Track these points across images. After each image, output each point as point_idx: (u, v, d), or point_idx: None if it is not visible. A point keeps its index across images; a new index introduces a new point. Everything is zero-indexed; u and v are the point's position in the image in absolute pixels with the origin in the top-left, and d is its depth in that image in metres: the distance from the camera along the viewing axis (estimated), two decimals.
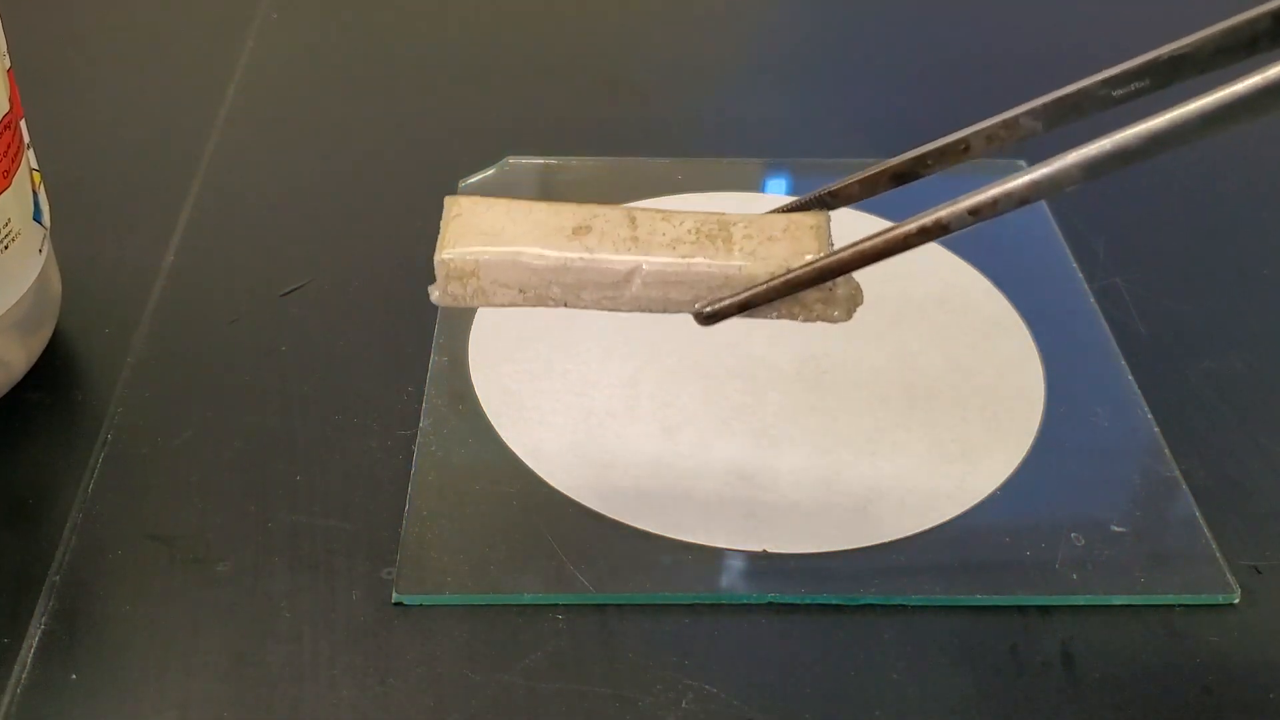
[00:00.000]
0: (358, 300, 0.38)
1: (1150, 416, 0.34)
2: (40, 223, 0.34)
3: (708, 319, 0.27)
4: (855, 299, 0.28)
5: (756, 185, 0.44)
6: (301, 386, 0.35)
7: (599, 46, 0.53)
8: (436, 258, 0.27)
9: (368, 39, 0.53)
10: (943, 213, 0.25)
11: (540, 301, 0.28)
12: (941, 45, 0.53)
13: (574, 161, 0.44)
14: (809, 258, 0.27)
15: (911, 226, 0.25)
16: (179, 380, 0.35)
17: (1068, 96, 0.27)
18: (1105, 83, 0.27)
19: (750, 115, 0.48)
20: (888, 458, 0.33)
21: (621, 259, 0.27)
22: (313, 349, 0.36)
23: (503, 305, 0.28)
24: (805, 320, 0.28)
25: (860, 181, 0.28)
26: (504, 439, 0.33)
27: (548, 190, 0.43)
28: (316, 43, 0.52)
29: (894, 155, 0.46)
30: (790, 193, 0.43)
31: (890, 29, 0.54)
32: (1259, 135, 0.47)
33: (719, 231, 0.28)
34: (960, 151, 0.27)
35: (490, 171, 0.44)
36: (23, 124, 0.34)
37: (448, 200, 0.28)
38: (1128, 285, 0.39)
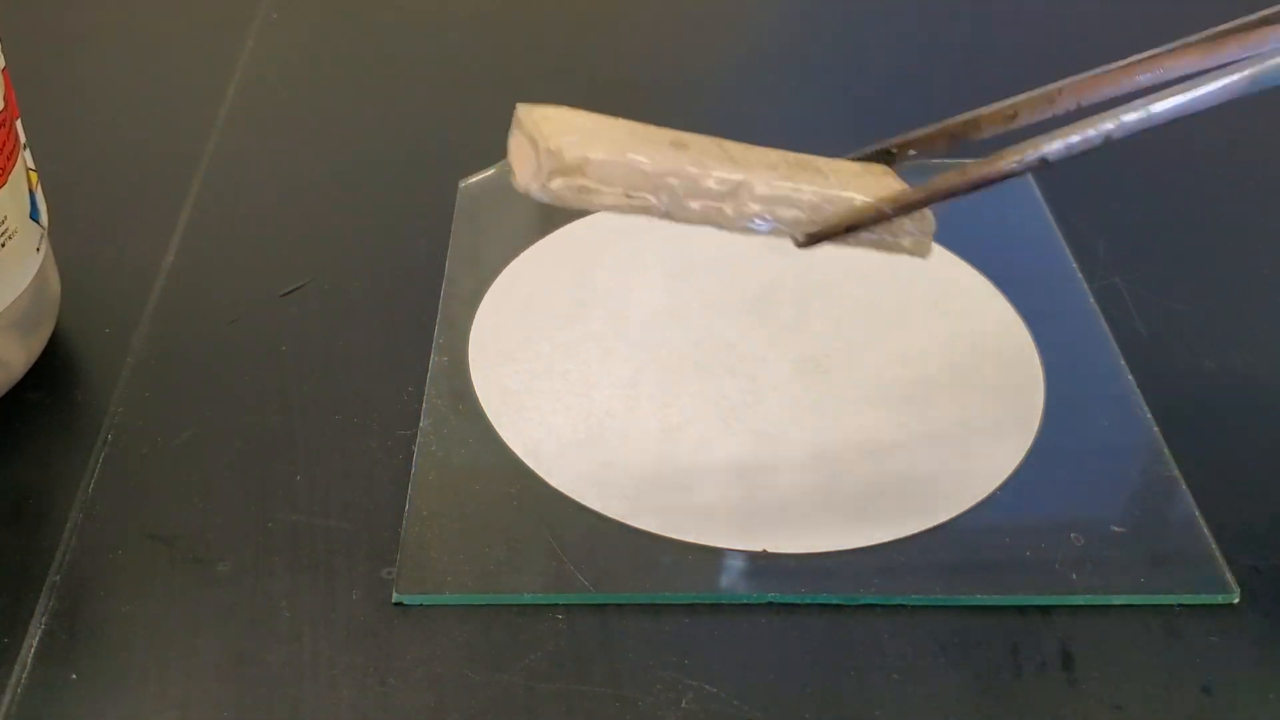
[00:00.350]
0: (358, 300, 0.38)
1: (1150, 416, 0.34)
2: (37, 222, 0.34)
3: (811, 239, 0.27)
4: (931, 236, 0.28)
5: None
6: (301, 386, 0.35)
7: (599, 46, 0.53)
8: (542, 147, 0.25)
9: (368, 39, 0.53)
10: (1043, 147, 0.26)
11: (643, 208, 0.26)
12: (941, 45, 0.53)
13: None
14: (898, 187, 0.27)
15: (1012, 159, 0.26)
16: (179, 380, 0.35)
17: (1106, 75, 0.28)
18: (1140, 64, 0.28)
19: (750, 115, 0.48)
20: (887, 458, 0.33)
21: (727, 171, 0.26)
22: (313, 349, 0.37)
23: (604, 207, 0.26)
24: (890, 252, 0.28)
25: (919, 138, 0.29)
26: (504, 439, 0.33)
27: None
28: (316, 43, 0.52)
29: None
30: None
31: (890, 28, 0.54)
32: (1259, 135, 0.47)
33: (807, 163, 0.28)
34: (1008, 118, 0.29)
35: (490, 171, 0.44)
36: (19, 124, 0.34)
37: (523, 107, 0.26)
38: (1127, 285, 0.39)
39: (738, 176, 0.26)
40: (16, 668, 0.28)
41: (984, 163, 0.26)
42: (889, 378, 0.36)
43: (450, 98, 0.49)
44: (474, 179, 0.43)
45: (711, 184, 0.26)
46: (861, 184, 0.27)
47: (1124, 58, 0.28)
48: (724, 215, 0.27)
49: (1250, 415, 0.35)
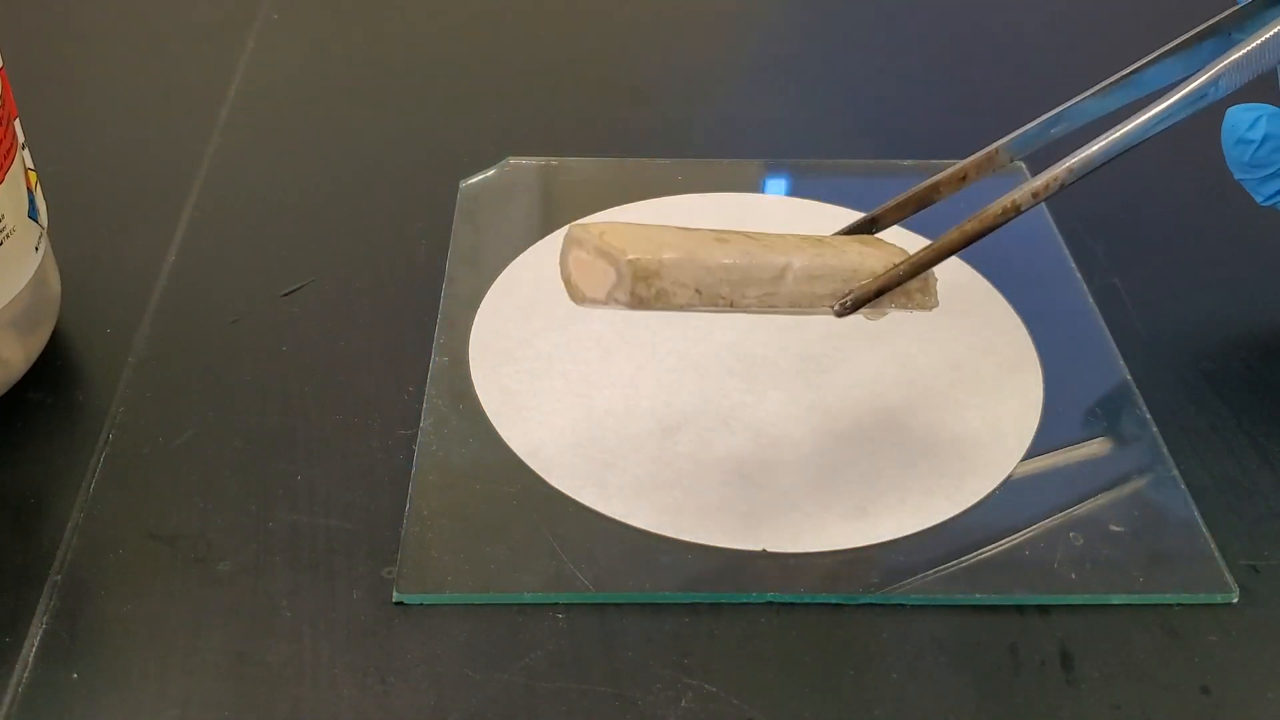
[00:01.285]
0: (358, 300, 0.38)
1: (1149, 416, 0.35)
2: (36, 221, 0.34)
3: (847, 309, 0.30)
4: (935, 291, 0.32)
5: (756, 185, 0.44)
6: (302, 386, 0.35)
7: (599, 47, 0.53)
8: (621, 260, 0.27)
9: (368, 39, 0.53)
10: (1015, 195, 0.30)
11: (711, 302, 0.28)
12: (941, 45, 0.53)
13: (574, 162, 0.44)
14: (898, 253, 0.31)
15: (995, 208, 0.30)
16: (180, 380, 0.35)
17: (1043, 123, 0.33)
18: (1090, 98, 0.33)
19: (750, 116, 0.48)
20: (887, 458, 0.33)
21: (773, 256, 0.28)
22: (313, 349, 0.37)
23: (678, 308, 0.28)
24: (905, 309, 0.31)
25: (893, 208, 0.34)
26: (504, 439, 0.33)
27: (548, 190, 0.43)
28: (317, 43, 0.52)
29: (893, 156, 0.47)
30: (790, 193, 0.43)
31: (890, 29, 0.55)
32: None
33: (820, 242, 0.30)
34: (959, 180, 0.33)
35: (490, 172, 0.44)
36: (17, 123, 0.34)
37: (577, 226, 0.28)
38: (1126, 285, 0.39)
39: (781, 260, 0.29)
40: (18, 667, 0.28)
41: (976, 218, 0.30)
42: (888, 378, 0.36)
43: (450, 98, 0.49)
44: (474, 179, 0.43)
45: (762, 272, 0.28)
46: (876, 254, 0.30)
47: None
48: (774, 298, 0.29)
49: (1249, 415, 0.35)
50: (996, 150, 0.33)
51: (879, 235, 0.34)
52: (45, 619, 0.29)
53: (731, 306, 0.28)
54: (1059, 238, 0.41)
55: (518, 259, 0.40)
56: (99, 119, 0.47)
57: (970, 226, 0.31)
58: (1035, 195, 0.30)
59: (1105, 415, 0.35)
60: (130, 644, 0.29)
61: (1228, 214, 0.43)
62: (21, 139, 0.34)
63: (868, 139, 0.47)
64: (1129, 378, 0.36)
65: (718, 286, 0.28)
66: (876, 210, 0.34)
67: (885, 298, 0.30)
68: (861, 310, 0.30)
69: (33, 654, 0.28)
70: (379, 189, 0.43)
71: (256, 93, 0.49)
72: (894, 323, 0.37)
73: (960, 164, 0.34)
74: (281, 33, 0.52)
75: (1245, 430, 0.35)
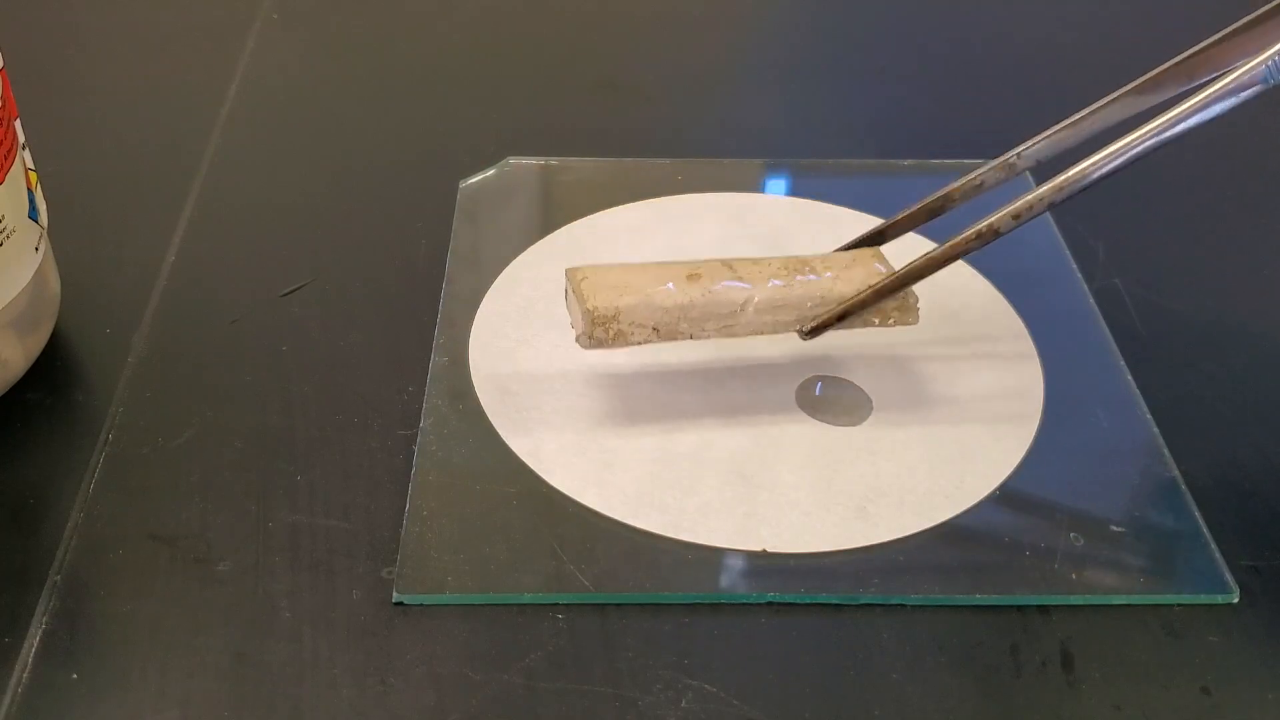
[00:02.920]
0: (358, 300, 0.38)
1: (1149, 417, 0.35)
2: (36, 221, 0.34)
3: (811, 333, 0.33)
4: (917, 305, 0.34)
5: (756, 185, 0.44)
6: (302, 386, 0.35)
7: (599, 47, 0.53)
8: (582, 308, 0.32)
9: (368, 39, 0.53)
10: (993, 219, 0.31)
11: (671, 336, 0.32)
12: (940, 45, 0.53)
13: (574, 162, 0.44)
14: (884, 272, 0.33)
15: (970, 233, 0.32)
16: (179, 380, 0.35)
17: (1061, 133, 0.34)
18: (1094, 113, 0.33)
19: (750, 115, 0.48)
20: (887, 457, 0.33)
21: (736, 289, 0.32)
22: (313, 349, 0.37)
23: (639, 344, 0.32)
24: (884, 326, 0.33)
25: (901, 220, 0.35)
26: (504, 439, 0.33)
27: (548, 190, 0.43)
28: (317, 43, 0.52)
29: (892, 155, 0.47)
30: (790, 193, 0.43)
31: (889, 29, 0.55)
32: (1259, 136, 0.47)
33: (803, 265, 0.33)
34: (975, 188, 0.34)
35: (490, 172, 0.44)
36: (18, 123, 0.34)
37: (569, 270, 0.33)
38: (1127, 286, 0.39)
39: (741, 296, 0.32)
40: (17, 667, 0.28)
41: (948, 246, 0.32)
42: (887, 378, 0.36)
43: (450, 98, 0.49)
44: (474, 179, 0.43)
45: (720, 308, 0.32)
46: (849, 275, 0.33)
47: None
48: (734, 329, 0.33)
49: (1250, 415, 0.35)
50: (1018, 157, 0.34)
51: (885, 246, 0.35)
52: (45, 619, 0.29)
53: (691, 338, 0.32)
54: (1059, 238, 0.41)
55: (517, 259, 0.40)
56: (99, 119, 0.47)
57: (941, 253, 0.32)
58: (1017, 218, 0.30)
59: (1106, 415, 0.35)
60: (130, 644, 0.28)
61: (1228, 214, 0.43)
62: (22, 139, 0.34)
63: (868, 139, 0.47)
64: (1129, 378, 0.36)
65: (675, 324, 0.32)
66: (885, 222, 0.35)
67: (859, 318, 0.33)
68: (838, 328, 0.33)
69: (32, 654, 0.28)
70: (379, 189, 0.43)
71: (256, 93, 0.48)
72: (902, 326, 0.37)
73: (977, 172, 0.34)
74: (281, 33, 0.52)
75: (1246, 430, 0.35)
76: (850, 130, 0.47)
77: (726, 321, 0.32)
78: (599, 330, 0.32)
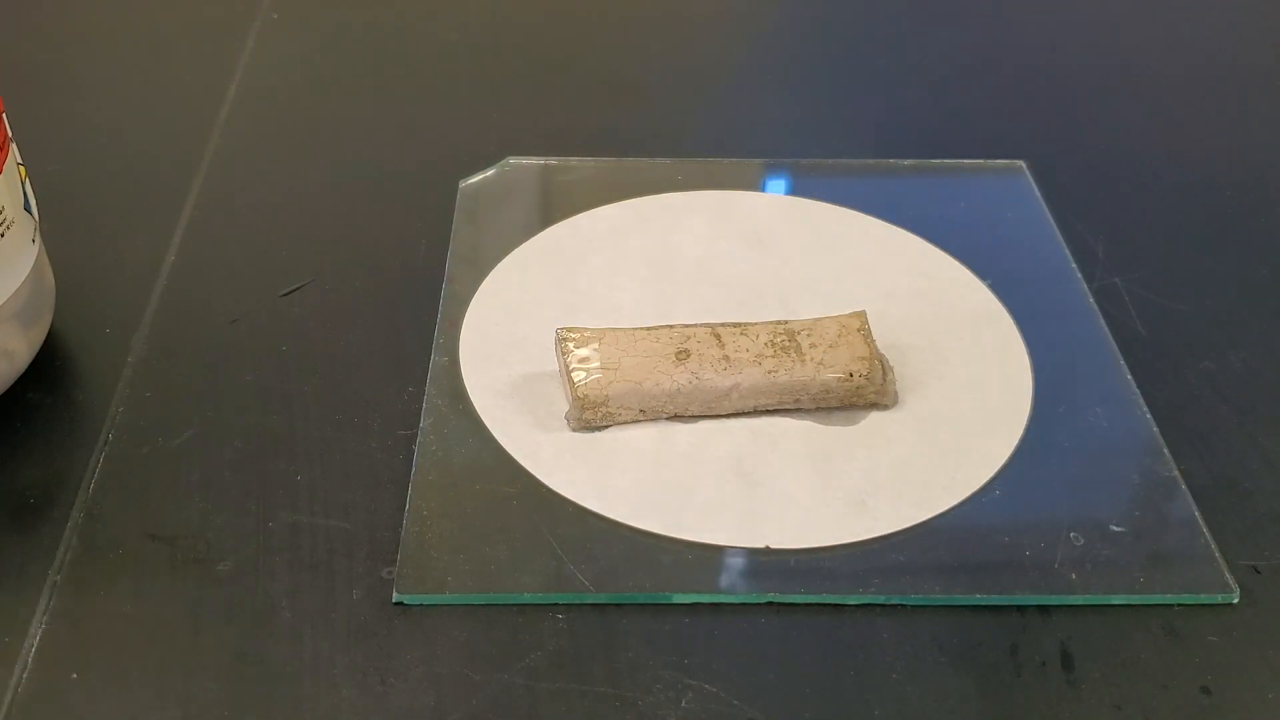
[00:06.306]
0: (358, 300, 0.38)
1: (1149, 416, 0.35)
2: (30, 213, 0.35)
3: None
4: (895, 387, 0.35)
5: (756, 185, 0.44)
6: (301, 386, 0.35)
7: (599, 47, 0.53)
8: (573, 394, 0.33)
9: (368, 39, 0.53)
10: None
11: (655, 416, 0.34)
12: (940, 46, 0.53)
13: (574, 162, 0.44)
14: (862, 359, 0.34)
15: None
16: (179, 380, 0.35)
17: None
18: None
19: (750, 115, 0.48)
20: (883, 453, 0.33)
21: (721, 379, 0.33)
22: (313, 349, 0.37)
23: (625, 423, 0.34)
24: (863, 406, 0.34)
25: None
26: (503, 440, 0.33)
27: (548, 190, 0.43)
28: (317, 43, 0.52)
29: (893, 155, 0.46)
30: (790, 193, 0.43)
31: (889, 29, 0.55)
32: (1258, 136, 0.47)
33: (790, 343, 0.34)
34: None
35: (490, 171, 0.44)
36: (3, 117, 0.34)
37: (559, 333, 0.34)
38: (1127, 285, 0.39)
39: (727, 384, 0.33)
40: (17, 667, 0.28)
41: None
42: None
43: (450, 98, 0.49)
44: (474, 179, 0.43)
45: (706, 395, 0.33)
46: (834, 358, 0.34)
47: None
48: (716, 410, 0.34)
49: (1249, 415, 0.35)
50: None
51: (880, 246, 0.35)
52: (45, 618, 0.29)
53: (676, 418, 0.34)
54: (1059, 238, 0.41)
55: (506, 258, 0.40)
56: (99, 119, 0.47)
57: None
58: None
59: (1105, 415, 0.35)
60: (129, 644, 0.28)
61: (1228, 214, 0.43)
62: (9, 132, 0.34)
63: (868, 139, 0.47)
64: (1130, 378, 0.36)
65: (662, 408, 0.34)
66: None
67: (837, 403, 0.34)
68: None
69: (32, 654, 0.28)
70: (379, 189, 0.43)
71: (256, 93, 0.49)
72: (894, 323, 0.38)
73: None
74: (281, 32, 0.52)
75: (1246, 430, 0.35)
76: (850, 130, 0.47)
77: (711, 405, 0.34)
78: (588, 414, 0.33)
